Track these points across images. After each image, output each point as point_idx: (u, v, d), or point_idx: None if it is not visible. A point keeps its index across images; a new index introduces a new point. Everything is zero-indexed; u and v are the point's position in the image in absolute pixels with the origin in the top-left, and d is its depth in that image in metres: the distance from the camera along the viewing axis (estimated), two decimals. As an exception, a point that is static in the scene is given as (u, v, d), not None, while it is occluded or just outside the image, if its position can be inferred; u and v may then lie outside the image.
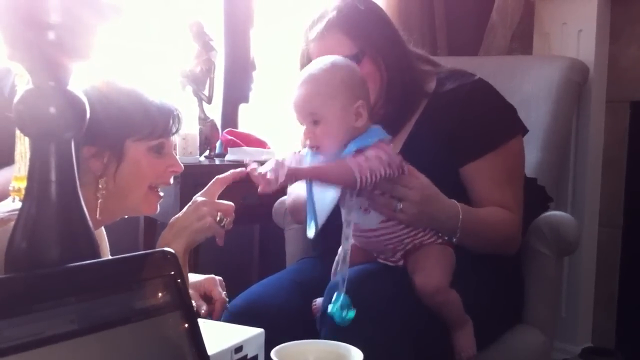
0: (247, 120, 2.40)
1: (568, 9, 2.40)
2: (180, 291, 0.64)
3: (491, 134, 1.39)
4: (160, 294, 0.62)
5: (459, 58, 2.31)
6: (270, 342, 0.90)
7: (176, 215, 1.20)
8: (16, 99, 0.66)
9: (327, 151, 1.18)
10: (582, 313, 2.37)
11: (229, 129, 2.23)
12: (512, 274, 1.51)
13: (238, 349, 0.78)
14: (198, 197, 1.22)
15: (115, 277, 0.61)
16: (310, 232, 1.19)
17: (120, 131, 1.16)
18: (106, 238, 1.32)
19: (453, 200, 1.28)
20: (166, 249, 0.65)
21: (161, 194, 1.24)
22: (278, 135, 2.39)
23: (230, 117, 2.39)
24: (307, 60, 1.44)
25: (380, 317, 1.20)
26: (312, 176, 1.17)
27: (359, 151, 1.15)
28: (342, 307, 1.14)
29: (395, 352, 1.17)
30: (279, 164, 1.11)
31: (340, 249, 1.20)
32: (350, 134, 1.18)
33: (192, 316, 0.64)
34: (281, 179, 1.10)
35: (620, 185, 2.35)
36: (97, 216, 1.17)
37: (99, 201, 1.16)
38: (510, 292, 1.49)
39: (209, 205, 1.20)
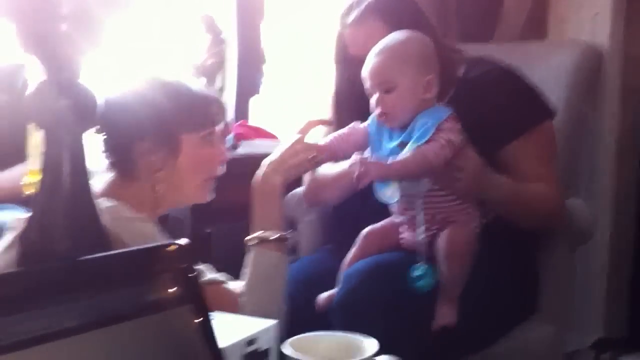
0: (258, 113, 2.39)
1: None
2: (192, 284, 0.64)
3: (526, 115, 1.43)
4: (171, 287, 0.62)
5: (470, 45, 2.28)
6: (283, 335, 0.90)
7: (270, 155, 1.30)
8: (29, 91, 0.66)
9: (395, 120, 1.24)
10: (594, 303, 2.35)
11: (241, 121, 2.23)
12: (527, 265, 1.50)
13: (250, 341, 0.78)
14: (293, 136, 1.32)
15: (126, 270, 0.61)
16: (390, 198, 1.26)
17: (174, 125, 1.19)
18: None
19: (499, 176, 1.33)
20: (178, 240, 0.65)
21: (213, 182, 1.28)
22: (289, 128, 2.39)
23: (241, 110, 2.38)
24: (342, 44, 1.46)
25: (393, 308, 1.20)
26: (393, 172, 1.21)
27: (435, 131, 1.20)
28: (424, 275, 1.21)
29: (407, 344, 1.17)
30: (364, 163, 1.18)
31: (417, 219, 1.25)
32: (418, 106, 1.24)
33: (203, 309, 0.64)
34: (370, 178, 1.18)
35: (634, 173, 2.32)
36: (153, 210, 1.21)
37: (158, 195, 1.20)
38: (524, 283, 1.49)
39: (303, 143, 1.31)
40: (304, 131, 1.35)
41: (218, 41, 2.09)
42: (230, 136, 2.13)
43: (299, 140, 1.32)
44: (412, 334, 1.20)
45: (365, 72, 1.27)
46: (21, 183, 0.84)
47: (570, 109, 2.00)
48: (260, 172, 1.29)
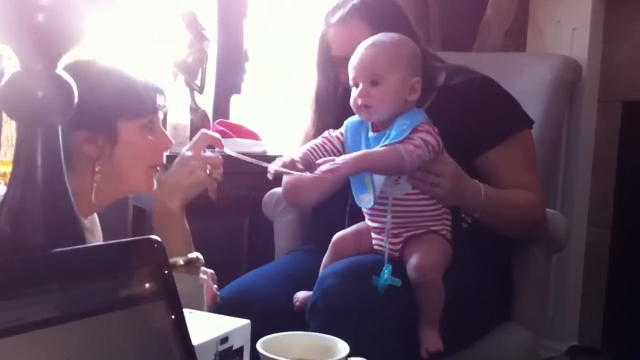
0: (239, 112, 2.38)
1: (562, 7, 2.40)
2: (166, 280, 0.63)
3: (504, 123, 1.44)
4: (145, 283, 0.61)
5: (452, 54, 2.30)
6: (257, 334, 0.89)
7: (166, 172, 1.19)
8: (3, 81, 0.65)
9: (375, 114, 1.24)
10: (569, 311, 2.37)
11: (221, 119, 2.22)
12: (502, 271, 1.51)
13: (224, 339, 0.77)
14: (185, 152, 1.20)
15: (101, 263, 0.60)
16: (368, 202, 1.26)
17: (112, 112, 1.15)
18: (99, 224, 1.31)
19: (474, 180, 1.33)
20: (152, 236, 0.64)
21: (157, 168, 1.23)
22: (270, 127, 2.38)
23: (221, 108, 2.37)
24: (325, 45, 1.46)
25: (368, 310, 1.20)
26: (366, 163, 1.19)
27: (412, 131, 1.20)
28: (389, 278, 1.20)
29: (383, 346, 1.17)
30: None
31: (385, 225, 1.25)
32: (400, 106, 1.24)
33: (177, 306, 0.63)
34: (341, 171, 1.15)
35: (610, 184, 2.35)
36: (93, 200, 1.16)
37: (95, 185, 1.15)
38: (500, 289, 1.50)
39: (198, 159, 1.19)
40: (198, 146, 1.21)
41: (200, 38, 2.08)
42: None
43: (194, 157, 1.19)
44: (386, 336, 1.20)
45: (354, 62, 1.26)
46: (-6, 174, 0.83)
47: (548, 120, 2.02)
48: (157, 194, 1.19)
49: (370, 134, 1.27)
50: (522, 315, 1.52)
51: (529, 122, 1.49)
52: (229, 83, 2.40)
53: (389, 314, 1.21)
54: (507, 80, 2.02)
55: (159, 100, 1.20)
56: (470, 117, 1.40)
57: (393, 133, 1.21)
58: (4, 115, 0.80)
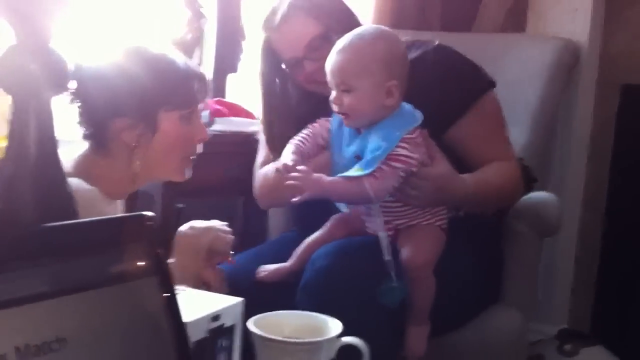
0: (235, 91, 2.37)
1: (563, -13, 2.38)
2: (158, 257, 0.64)
3: (465, 92, 1.40)
4: (137, 259, 0.62)
5: (451, 34, 2.29)
6: (249, 314, 0.90)
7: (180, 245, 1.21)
8: (-3, 55, 0.65)
9: (353, 121, 1.20)
10: (559, 295, 2.38)
11: (217, 98, 2.21)
12: (492, 253, 1.52)
13: (215, 317, 0.78)
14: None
15: (92, 239, 0.60)
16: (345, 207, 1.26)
17: (154, 103, 1.15)
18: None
19: (464, 178, 1.29)
20: (144, 212, 0.64)
21: (191, 158, 1.24)
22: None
23: (218, 87, 2.36)
24: (272, 53, 1.42)
25: (358, 290, 1.21)
26: (331, 198, 1.19)
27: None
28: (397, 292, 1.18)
29: (372, 325, 1.18)
30: (303, 177, 1.14)
31: (381, 237, 1.21)
32: (379, 111, 1.19)
33: (169, 283, 0.64)
34: (303, 198, 1.14)
35: (605, 169, 2.35)
36: (126, 187, 1.19)
37: (134, 172, 1.17)
38: (489, 271, 1.50)
39: (193, 274, 1.20)
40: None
41: (197, 16, 2.06)
42: (206, 113, 2.12)
43: (193, 267, 1.21)
44: (377, 316, 1.21)
45: (327, 66, 1.22)
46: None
47: (545, 102, 2.02)
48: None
49: (352, 132, 1.24)
50: (512, 297, 1.52)
51: (489, 85, 1.44)
52: (225, 62, 2.39)
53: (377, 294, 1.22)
54: (505, 62, 2.02)
55: (201, 92, 1.20)
56: (429, 94, 1.34)
57: (367, 155, 1.17)
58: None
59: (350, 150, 1.22)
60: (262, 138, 1.54)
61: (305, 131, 1.29)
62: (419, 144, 1.20)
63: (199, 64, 2.12)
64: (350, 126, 1.22)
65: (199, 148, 1.25)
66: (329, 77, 1.21)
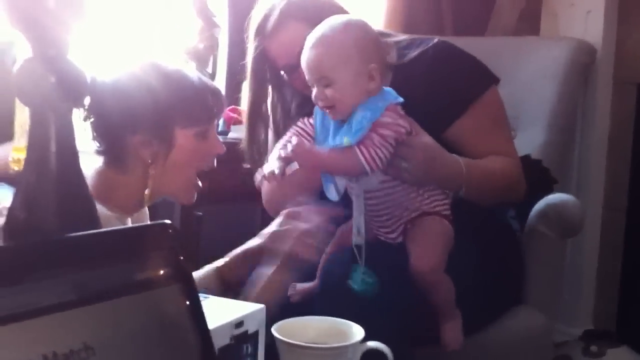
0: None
1: (576, -10, 2.37)
2: (180, 265, 0.63)
3: (466, 88, 1.38)
4: (160, 267, 0.62)
5: (464, 38, 2.29)
6: (272, 319, 0.89)
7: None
8: (15, 67, 0.65)
9: (340, 113, 1.18)
10: (584, 295, 2.36)
11: (232, 106, 2.22)
12: (516, 255, 1.50)
13: (239, 324, 0.77)
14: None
15: (115, 248, 0.60)
16: (333, 196, 1.20)
17: (170, 120, 1.15)
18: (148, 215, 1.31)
19: (455, 155, 1.28)
20: (166, 221, 0.64)
21: (199, 183, 1.23)
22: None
23: (233, 95, 2.37)
24: (262, 60, 1.42)
25: (376, 296, 1.20)
26: (322, 168, 1.17)
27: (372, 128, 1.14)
28: (363, 277, 1.16)
29: (392, 330, 1.16)
30: (286, 157, 1.12)
31: (352, 221, 1.21)
32: (362, 97, 1.17)
33: (192, 290, 0.64)
34: (288, 171, 1.12)
35: (625, 168, 2.33)
36: (145, 203, 1.19)
37: (148, 188, 1.16)
38: (510, 273, 1.49)
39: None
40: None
41: (210, 25, 2.07)
42: (221, 121, 2.12)
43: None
44: (397, 320, 1.20)
45: (302, 64, 1.20)
46: (9, 160, 0.83)
47: (563, 103, 2.01)
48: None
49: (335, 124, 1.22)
50: (535, 299, 1.51)
51: (492, 80, 1.42)
52: (240, 70, 2.39)
53: (399, 299, 1.21)
54: (521, 64, 2.02)
55: (217, 107, 1.20)
56: (430, 90, 1.34)
57: (353, 126, 1.15)
58: (17, 102, 0.80)
59: (339, 139, 1.20)
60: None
61: (289, 134, 1.26)
62: (402, 115, 1.19)
63: (213, 73, 2.13)
64: (337, 118, 1.20)
65: (214, 162, 1.24)
66: (307, 75, 1.19)
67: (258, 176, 1.21)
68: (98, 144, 1.18)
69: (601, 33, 2.31)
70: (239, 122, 2.06)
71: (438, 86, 1.35)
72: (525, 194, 1.44)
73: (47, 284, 0.53)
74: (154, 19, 2.08)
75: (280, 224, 1.28)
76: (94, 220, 0.66)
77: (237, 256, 1.30)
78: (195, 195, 1.23)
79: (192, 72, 1.19)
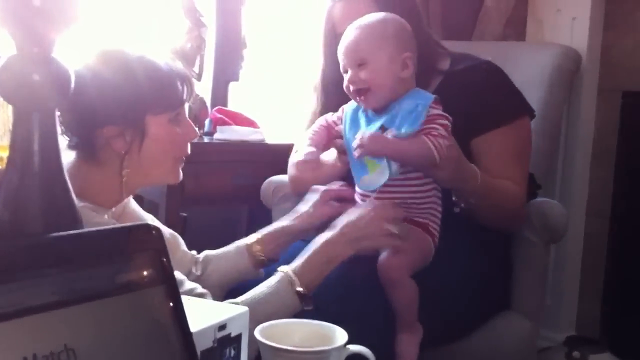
0: (237, 99, 2.37)
1: (563, -4, 2.39)
2: (164, 266, 0.63)
3: (503, 109, 1.43)
4: (143, 268, 0.61)
5: (452, 42, 2.29)
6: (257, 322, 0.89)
7: (348, 221, 1.20)
8: (-1, 65, 0.64)
9: (373, 98, 1.22)
10: (567, 301, 2.37)
11: (219, 107, 2.21)
12: (500, 260, 1.51)
13: (222, 326, 0.77)
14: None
15: (98, 249, 0.59)
16: (372, 184, 1.23)
17: (140, 108, 1.13)
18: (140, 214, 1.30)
19: (472, 164, 1.31)
20: (150, 222, 0.64)
21: (182, 158, 1.22)
22: (267, 115, 2.37)
23: (220, 95, 2.36)
24: (330, 22, 1.47)
25: (365, 300, 1.20)
26: (394, 156, 1.18)
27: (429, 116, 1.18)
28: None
29: (378, 335, 1.16)
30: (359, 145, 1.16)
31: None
32: (395, 84, 1.22)
33: (175, 292, 0.63)
34: (365, 150, 1.16)
35: (609, 174, 2.35)
36: (123, 193, 1.17)
37: (124, 179, 1.15)
38: (497, 278, 1.49)
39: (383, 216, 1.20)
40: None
41: (198, 25, 2.06)
42: (207, 121, 2.12)
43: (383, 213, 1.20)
44: (378, 324, 1.20)
45: (340, 49, 1.25)
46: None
47: (548, 109, 2.02)
48: (333, 237, 1.19)
49: (371, 114, 1.25)
50: (521, 304, 1.52)
51: (528, 111, 1.48)
52: (227, 70, 2.39)
53: (386, 305, 1.21)
54: (507, 70, 2.01)
55: (186, 92, 1.18)
56: (472, 100, 1.40)
57: (405, 116, 1.18)
58: (1, 100, 0.80)
59: (374, 127, 1.22)
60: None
61: (315, 125, 1.32)
62: (444, 114, 1.22)
63: (200, 73, 2.12)
64: (370, 106, 1.23)
65: (188, 150, 1.22)
66: (343, 61, 1.24)
67: (293, 160, 1.23)
68: (68, 139, 1.15)
69: (587, 40, 2.33)
70: (225, 123, 2.06)
71: (478, 98, 1.41)
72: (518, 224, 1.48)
73: (29, 284, 0.52)
74: (141, 18, 2.07)
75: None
76: (77, 220, 0.66)
77: (269, 233, 1.32)
78: (181, 173, 1.21)
79: (158, 57, 1.16)
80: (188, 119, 1.22)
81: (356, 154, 1.18)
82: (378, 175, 1.21)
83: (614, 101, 2.34)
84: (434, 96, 1.22)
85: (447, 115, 1.21)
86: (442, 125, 1.18)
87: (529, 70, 2.04)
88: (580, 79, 2.31)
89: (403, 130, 1.17)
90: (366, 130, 1.19)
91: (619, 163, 2.33)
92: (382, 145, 1.17)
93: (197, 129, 1.23)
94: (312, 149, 1.26)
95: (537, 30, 2.48)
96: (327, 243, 1.18)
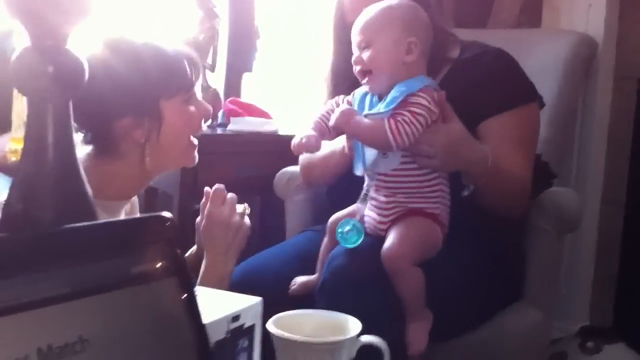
0: (250, 90, 2.37)
1: (578, -17, 2.36)
2: (177, 257, 0.63)
3: (510, 94, 1.42)
4: (156, 260, 0.61)
5: (466, 30, 2.28)
6: (268, 313, 0.89)
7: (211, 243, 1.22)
8: (14, 57, 0.64)
9: (377, 80, 1.22)
10: (581, 291, 2.36)
11: (232, 98, 2.21)
12: (511, 250, 1.50)
13: (235, 317, 0.77)
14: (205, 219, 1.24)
15: (111, 240, 0.60)
16: (359, 171, 1.25)
17: (153, 94, 1.14)
18: (137, 207, 1.31)
19: (483, 144, 1.30)
20: (163, 213, 0.64)
21: (195, 142, 1.23)
22: (281, 106, 2.37)
23: (233, 86, 2.36)
24: (341, 10, 1.47)
25: (374, 291, 1.20)
26: (352, 134, 1.21)
27: (404, 102, 1.17)
28: (351, 230, 1.21)
29: (389, 326, 1.16)
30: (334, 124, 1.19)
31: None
32: (397, 68, 1.21)
33: (188, 283, 0.63)
34: (335, 122, 1.18)
35: (624, 163, 2.33)
36: (140, 183, 1.19)
37: (147, 167, 1.16)
38: (509, 269, 1.49)
39: (225, 213, 1.22)
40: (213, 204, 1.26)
41: (210, 16, 2.06)
42: (221, 112, 2.12)
43: (221, 216, 1.25)
44: (395, 316, 1.20)
45: (352, 33, 1.26)
46: (6, 150, 0.83)
47: (563, 97, 2.00)
48: (212, 264, 1.23)
49: (375, 98, 1.24)
50: (533, 295, 1.51)
51: (536, 97, 1.46)
52: (240, 61, 2.39)
53: (392, 294, 1.20)
54: (522, 57, 1.99)
55: (195, 72, 1.19)
56: (478, 85, 1.39)
57: (388, 98, 1.19)
58: (15, 92, 0.80)
59: (374, 110, 1.22)
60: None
61: (323, 108, 1.31)
62: (436, 102, 1.20)
63: (213, 64, 2.12)
64: (374, 89, 1.23)
65: (203, 126, 1.24)
66: (352, 43, 1.25)
67: (295, 141, 1.24)
68: (83, 133, 1.15)
69: (602, 26, 2.30)
70: (238, 114, 2.06)
71: (486, 84, 1.40)
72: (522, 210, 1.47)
73: (43, 276, 0.53)
74: (154, 9, 2.07)
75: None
76: (90, 212, 0.66)
77: None
78: (197, 156, 1.23)
79: (162, 42, 1.17)
80: (199, 97, 1.23)
81: (331, 123, 1.20)
82: (360, 165, 1.23)
83: (629, 89, 2.32)
84: (430, 82, 1.21)
85: (426, 103, 1.18)
86: (411, 112, 1.16)
87: (544, 57, 2.03)
88: (596, 67, 2.28)
89: (373, 112, 1.19)
90: (341, 109, 1.21)
91: (635, 150, 2.30)
92: (346, 121, 1.18)
93: (210, 107, 1.25)
94: (311, 132, 1.24)
95: (552, 17, 2.46)
96: (211, 268, 1.23)
